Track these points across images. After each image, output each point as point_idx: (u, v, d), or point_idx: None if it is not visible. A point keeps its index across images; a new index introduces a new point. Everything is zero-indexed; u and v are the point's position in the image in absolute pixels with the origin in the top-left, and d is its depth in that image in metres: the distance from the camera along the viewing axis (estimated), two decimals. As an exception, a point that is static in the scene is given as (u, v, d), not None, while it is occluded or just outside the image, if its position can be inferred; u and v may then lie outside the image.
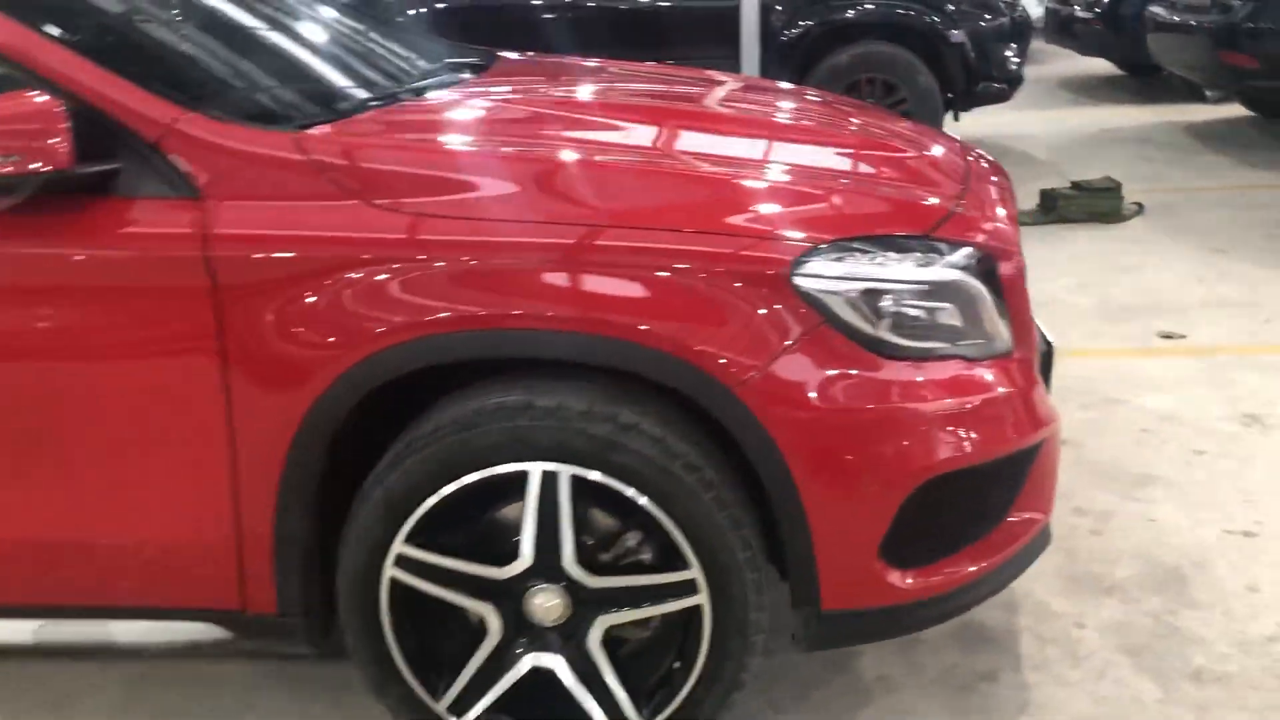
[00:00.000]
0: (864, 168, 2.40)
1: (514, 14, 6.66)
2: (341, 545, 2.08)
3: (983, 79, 6.92)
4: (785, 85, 3.26)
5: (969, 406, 2.05)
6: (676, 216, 2.00)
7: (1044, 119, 8.97)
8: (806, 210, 2.10)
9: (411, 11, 6.58)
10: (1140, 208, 6.11)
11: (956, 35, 6.78)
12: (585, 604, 2.07)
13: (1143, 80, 10.32)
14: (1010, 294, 2.17)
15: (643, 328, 1.92)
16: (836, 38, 6.84)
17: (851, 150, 2.54)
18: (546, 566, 2.04)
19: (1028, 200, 6.18)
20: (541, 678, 2.12)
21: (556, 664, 2.11)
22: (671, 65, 3.51)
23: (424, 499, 2.01)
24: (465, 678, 2.12)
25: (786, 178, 2.18)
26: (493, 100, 2.63)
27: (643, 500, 1.97)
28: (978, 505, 2.16)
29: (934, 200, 2.24)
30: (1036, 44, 11.79)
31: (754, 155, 2.37)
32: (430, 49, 3.15)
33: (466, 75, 2.86)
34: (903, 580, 2.06)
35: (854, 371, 1.97)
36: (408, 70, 2.82)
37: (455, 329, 1.94)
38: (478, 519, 2.09)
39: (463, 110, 2.49)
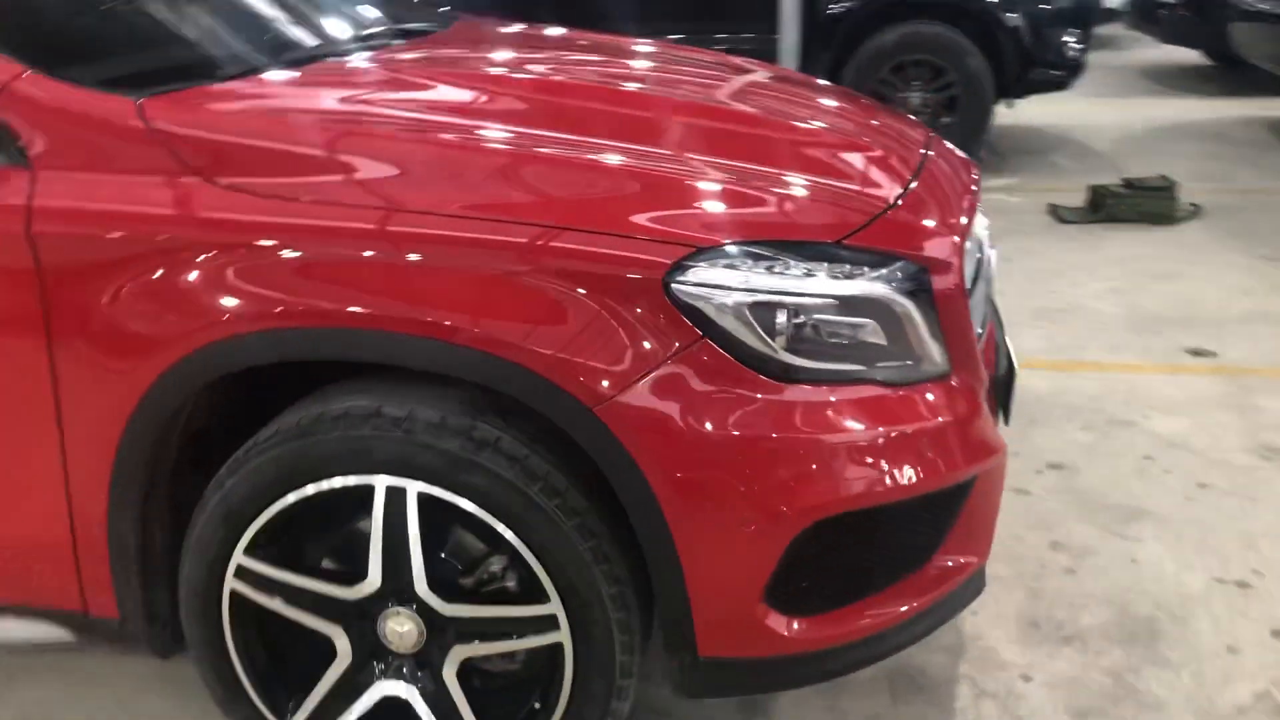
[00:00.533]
0: (786, 159, 2.12)
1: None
2: (182, 553, 1.93)
3: (1039, 65, 6.52)
4: (741, 63, 2.96)
5: (882, 438, 1.82)
6: (546, 210, 1.77)
7: (1115, 109, 8.50)
8: (702, 208, 1.85)
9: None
10: (1197, 209, 5.70)
11: (1012, 17, 6.39)
12: (441, 632, 1.89)
13: (1232, 71, 9.74)
14: (947, 310, 1.91)
15: (493, 335, 1.70)
16: (885, 16, 6.49)
17: (779, 138, 2.25)
18: (397, 589, 1.87)
19: (1076, 197, 5.82)
20: (399, 708, 1.95)
21: (409, 694, 1.94)
22: (656, 41, 3.24)
23: (263, 508, 1.85)
24: (313, 702, 1.96)
25: (688, 169, 1.92)
26: (398, 72, 2.39)
27: (495, 524, 1.78)
28: (891, 547, 1.93)
29: (862, 201, 1.98)
30: (1118, 30, 11.30)
31: (662, 142, 2.09)
32: (378, 8, 2.94)
33: (397, 41, 2.64)
34: (790, 628, 1.84)
35: (737, 394, 1.74)
36: (329, 32, 2.60)
37: (283, 325, 1.74)
38: (329, 533, 1.92)
39: (352, 80, 2.26)
